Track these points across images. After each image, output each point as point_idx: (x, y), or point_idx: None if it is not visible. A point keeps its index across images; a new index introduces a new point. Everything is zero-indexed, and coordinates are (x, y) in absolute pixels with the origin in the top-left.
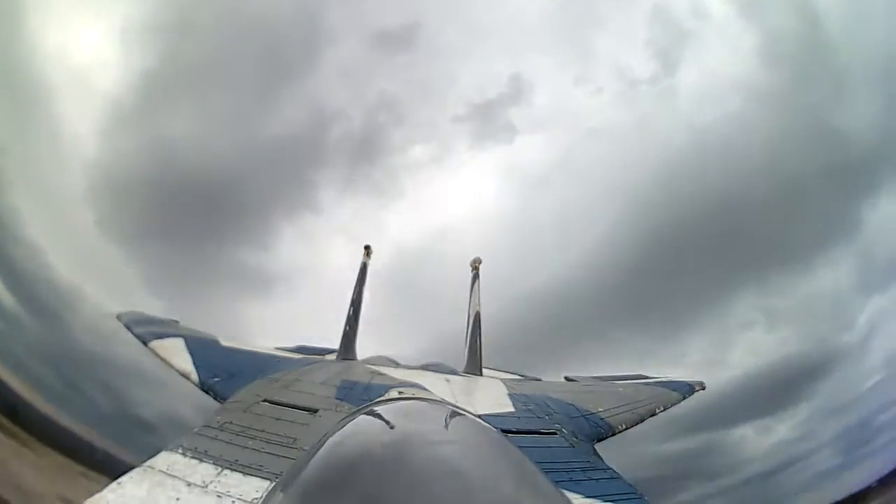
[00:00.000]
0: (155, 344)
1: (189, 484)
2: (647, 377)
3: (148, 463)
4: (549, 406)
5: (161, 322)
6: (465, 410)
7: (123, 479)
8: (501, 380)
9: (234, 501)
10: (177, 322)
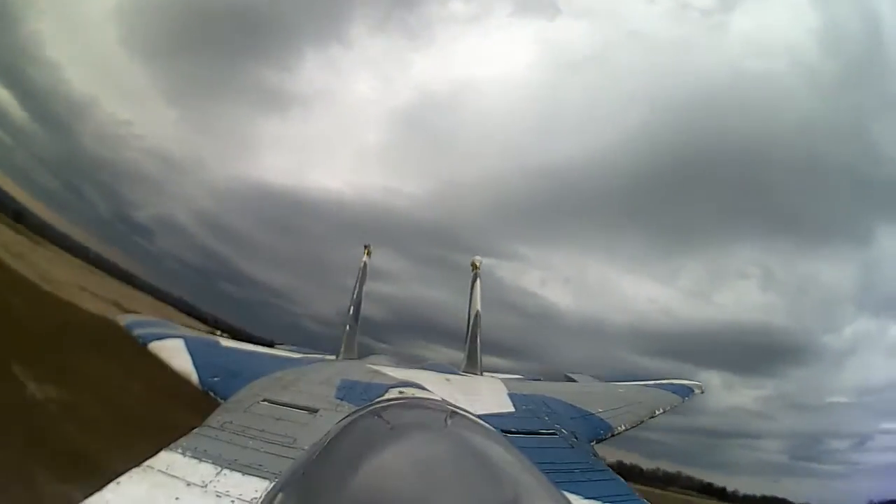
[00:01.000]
0: (155, 345)
1: (188, 484)
2: (646, 380)
3: (147, 462)
4: (548, 406)
5: (161, 324)
6: (465, 410)
7: (122, 478)
8: (501, 379)
9: (233, 501)
10: (177, 324)
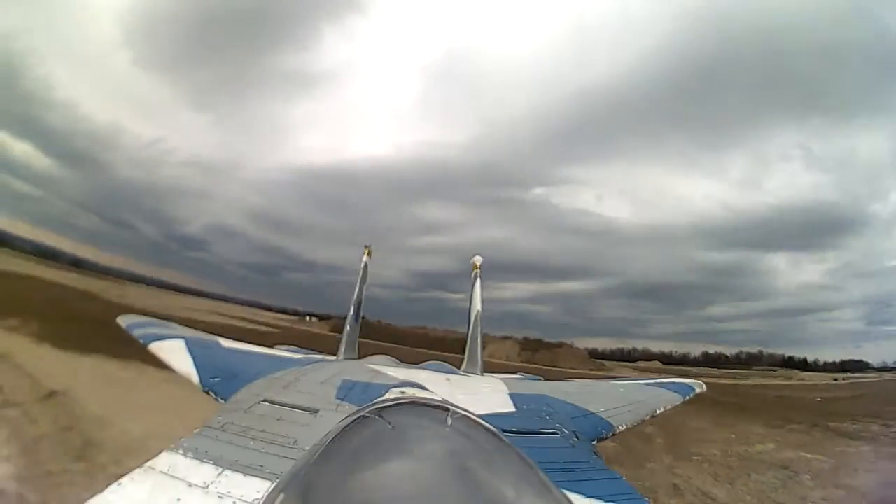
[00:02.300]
0: (155, 346)
1: (190, 485)
2: (647, 379)
3: (149, 464)
4: (549, 406)
5: (161, 324)
6: (465, 410)
7: (124, 479)
8: (502, 379)
9: (234, 502)
10: (177, 325)
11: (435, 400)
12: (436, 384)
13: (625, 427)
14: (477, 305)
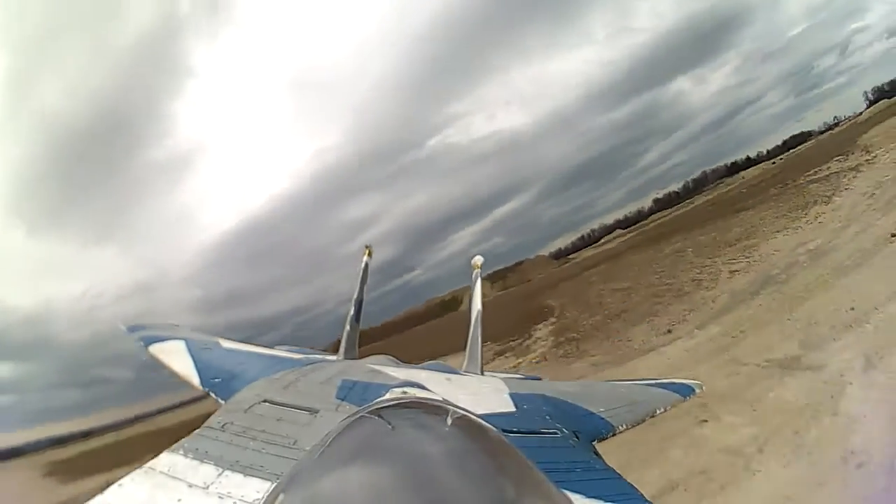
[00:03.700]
0: (155, 347)
1: (190, 485)
2: (648, 379)
3: (149, 464)
4: (549, 406)
5: (162, 326)
6: (466, 410)
7: (125, 480)
8: (502, 379)
9: (235, 502)
10: (177, 326)
11: (435, 400)
12: (436, 384)
13: (625, 427)
14: (477, 305)
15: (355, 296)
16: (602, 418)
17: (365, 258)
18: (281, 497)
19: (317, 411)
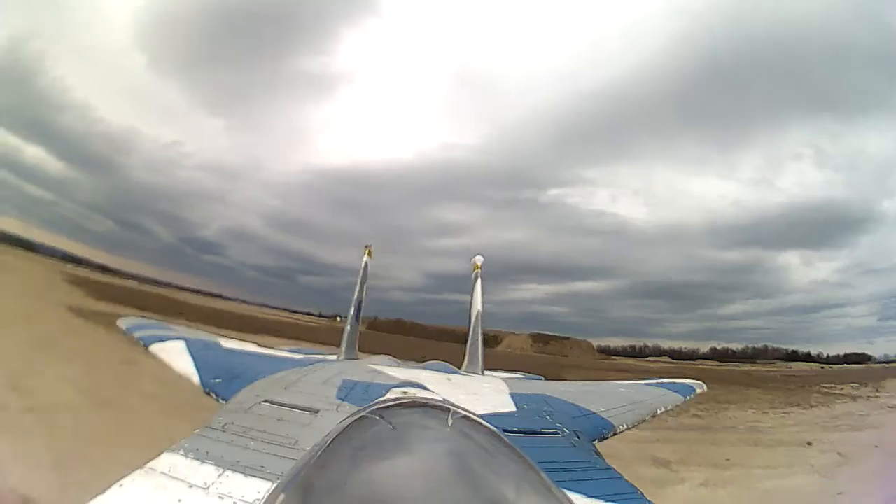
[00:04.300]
0: (156, 347)
1: (191, 486)
2: (648, 379)
3: (149, 464)
4: (550, 405)
5: (162, 326)
6: (466, 410)
7: (125, 480)
8: (503, 379)
9: (235, 502)
10: (177, 326)
11: (436, 400)
12: (436, 384)
13: (626, 427)
14: (477, 305)
15: (355, 296)
16: (602, 418)
17: (365, 258)
18: (281, 497)
19: (317, 411)
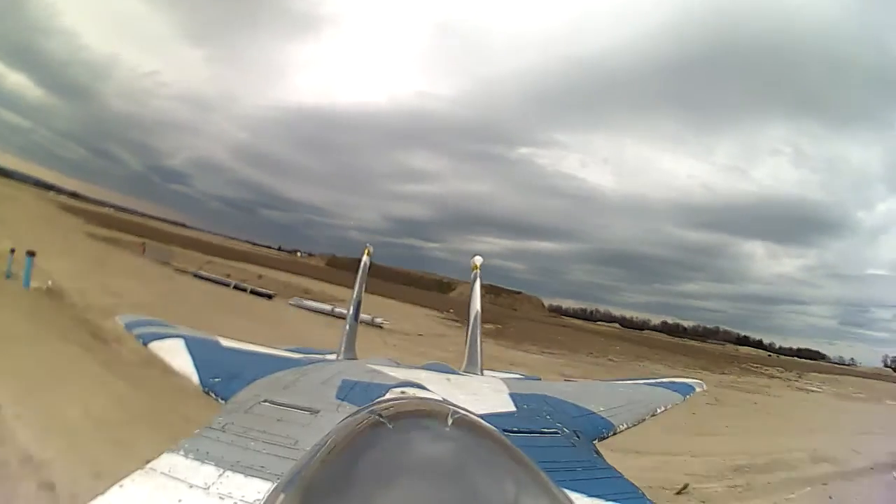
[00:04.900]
0: (155, 345)
1: (191, 486)
2: (648, 378)
3: (149, 465)
4: (550, 405)
5: (160, 323)
6: (466, 410)
7: (125, 481)
8: (502, 379)
9: (236, 503)
10: (176, 325)
11: (435, 400)
12: (436, 384)
13: (626, 427)
14: (476, 306)
15: (354, 295)
16: (603, 418)
17: (365, 258)
18: (282, 497)
19: (317, 411)
